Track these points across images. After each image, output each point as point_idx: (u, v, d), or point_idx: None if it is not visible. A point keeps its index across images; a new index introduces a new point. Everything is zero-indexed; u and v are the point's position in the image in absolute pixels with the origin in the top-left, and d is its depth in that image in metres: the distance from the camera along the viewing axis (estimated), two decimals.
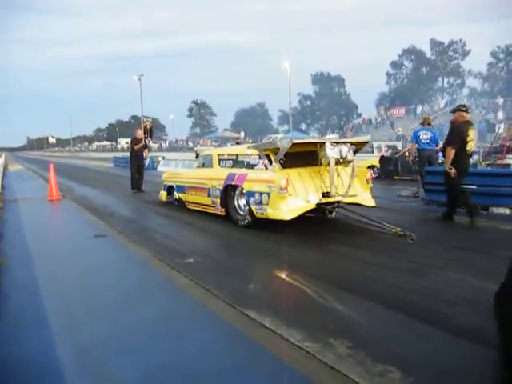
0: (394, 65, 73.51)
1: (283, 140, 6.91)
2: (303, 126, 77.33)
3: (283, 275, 4.50)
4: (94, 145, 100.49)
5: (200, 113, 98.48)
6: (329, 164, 6.14)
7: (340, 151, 6.26)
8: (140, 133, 13.07)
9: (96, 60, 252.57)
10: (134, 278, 4.54)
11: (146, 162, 13.80)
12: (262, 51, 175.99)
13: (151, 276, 4.60)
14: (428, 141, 9.33)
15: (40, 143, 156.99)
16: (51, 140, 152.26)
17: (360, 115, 74.65)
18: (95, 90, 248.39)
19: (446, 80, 69.87)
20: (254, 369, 2.74)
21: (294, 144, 6.12)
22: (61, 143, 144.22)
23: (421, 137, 9.39)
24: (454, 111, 7.10)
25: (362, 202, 6.69)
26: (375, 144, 26.86)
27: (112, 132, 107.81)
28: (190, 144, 55.54)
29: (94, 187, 14.30)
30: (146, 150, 13.13)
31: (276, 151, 6.41)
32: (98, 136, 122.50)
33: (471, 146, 6.75)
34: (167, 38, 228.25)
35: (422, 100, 58.19)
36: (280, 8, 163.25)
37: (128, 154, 14.42)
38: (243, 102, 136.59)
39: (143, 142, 12.81)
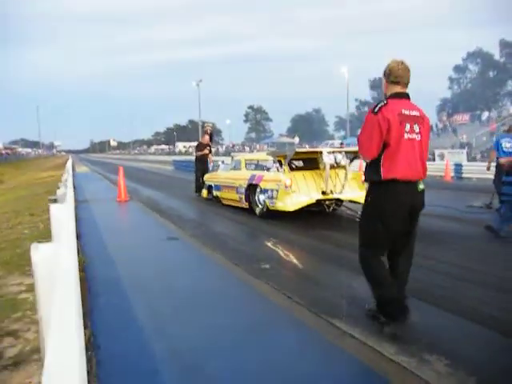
0: (457, 69, 70.49)
1: (289, 149, 9.23)
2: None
3: (358, 283, 4.35)
4: (153, 148, 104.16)
5: (256, 118, 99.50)
6: (325, 168, 7.55)
7: (335, 158, 7.76)
8: (207, 138, 13.29)
9: (155, 66, 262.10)
10: (215, 283, 4.56)
11: (210, 166, 14.04)
12: (318, 57, 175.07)
13: (231, 281, 4.61)
14: (511, 149, 8.76)
15: (102, 146, 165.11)
16: (112, 143, 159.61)
17: None
18: (155, 95, 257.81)
19: None
20: (353, 381, 2.67)
21: (297, 152, 8.14)
22: (121, 146, 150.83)
23: (503, 145, 8.85)
24: None
25: (357, 200, 7.74)
26: (437, 152, 25.71)
27: (170, 136, 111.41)
28: (247, 149, 56.07)
29: (158, 189, 14.73)
30: (210, 154, 13.38)
31: (285, 157, 7.99)
32: (157, 139, 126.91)
33: None
34: (225, 45, 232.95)
35: (487, 105, 55.38)
36: (337, 14, 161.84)
37: (189, 158, 14.75)
38: (300, 107, 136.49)
39: (209, 148, 13.07)
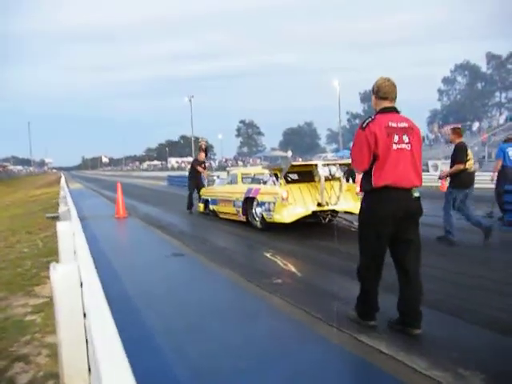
0: (446, 81, 71.60)
1: (285, 162, 8.89)
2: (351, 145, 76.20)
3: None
4: (145, 164, 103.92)
5: (248, 132, 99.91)
6: (320, 180, 7.73)
7: (329, 170, 7.91)
8: (203, 155, 13.14)
9: (146, 82, 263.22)
10: (229, 299, 4.46)
11: (205, 182, 13.91)
12: (308, 70, 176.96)
13: (246, 297, 4.50)
14: None
15: (94, 162, 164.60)
16: (104, 159, 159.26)
17: None
18: (146, 110, 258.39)
19: (503, 95, 67.04)
20: None
21: (292, 165, 8.19)
22: (113, 162, 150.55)
23: (509, 153, 8.90)
24: None
25: (352, 210, 8.03)
26: (430, 162, 25.86)
27: (162, 152, 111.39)
28: (240, 163, 56.11)
29: (155, 205, 14.57)
30: (206, 170, 13.28)
31: (281, 170, 8.17)
32: (149, 155, 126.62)
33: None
34: (215, 60, 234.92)
35: (477, 116, 56.11)
36: (327, 27, 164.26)
37: (183, 173, 14.60)
38: (291, 121, 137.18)
39: (203, 164, 12.95)
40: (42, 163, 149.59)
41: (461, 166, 6.62)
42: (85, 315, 2.49)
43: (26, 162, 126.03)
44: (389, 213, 3.33)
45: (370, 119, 3.39)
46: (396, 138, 3.31)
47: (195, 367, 2.93)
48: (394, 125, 3.34)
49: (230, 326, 3.68)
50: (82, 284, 2.47)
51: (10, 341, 3.56)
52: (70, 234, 4.36)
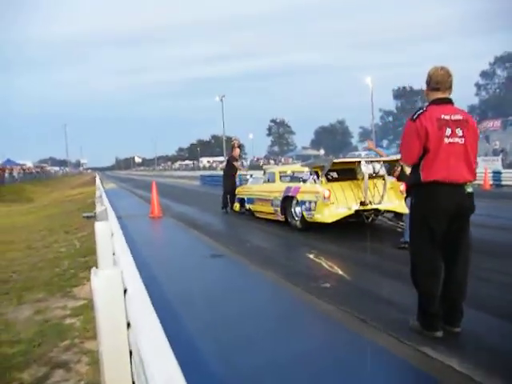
0: (484, 74, 68.97)
1: (327, 159, 8.72)
2: (384, 143, 74.67)
3: None
4: (177, 164, 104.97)
5: (279, 131, 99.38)
6: (364, 178, 7.37)
7: (373, 167, 7.58)
8: (238, 152, 12.89)
9: (178, 84, 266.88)
10: (276, 305, 4.20)
11: (237, 180, 13.63)
12: (340, 68, 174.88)
13: (294, 303, 4.22)
14: None
15: (127, 163, 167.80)
16: (137, 160, 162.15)
17: None
18: (178, 111, 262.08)
19: None
20: None
21: (334, 163, 7.73)
22: (146, 162, 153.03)
23: None
24: None
25: (396, 209, 7.79)
26: None
27: (193, 151, 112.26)
28: (272, 162, 55.82)
29: (189, 205, 14.46)
30: (242, 167, 13.05)
31: (322, 168, 7.86)
32: (180, 155, 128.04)
33: None
34: (244, 61, 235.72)
35: None
36: (359, 24, 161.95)
37: (216, 172, 14.39)
38: (323, 119, 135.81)
39: (240, 162, 12.69)
40: (77, 164, 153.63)
41: None
42: (128, 325, 2.27)
43: (62, 163, 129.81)
44: (440, 208, 3.17)
45: (421, 111, 3.24)
46: (448, 131, 3.13)
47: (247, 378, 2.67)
48: (447, 117, 3.16)
49: (280, 338, 3.39)
50: (125, 291, 2.25)
51: (49, 345, 3.40)
52: (108, 234, 4.19)
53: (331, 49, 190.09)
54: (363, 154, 43.66)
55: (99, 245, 4.22)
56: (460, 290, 3.27)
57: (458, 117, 3.19)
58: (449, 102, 3.28)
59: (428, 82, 3.32)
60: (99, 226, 4.20)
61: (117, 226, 4.40)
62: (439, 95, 3.26)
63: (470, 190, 3.21)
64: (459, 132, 3.15)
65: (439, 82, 3.25)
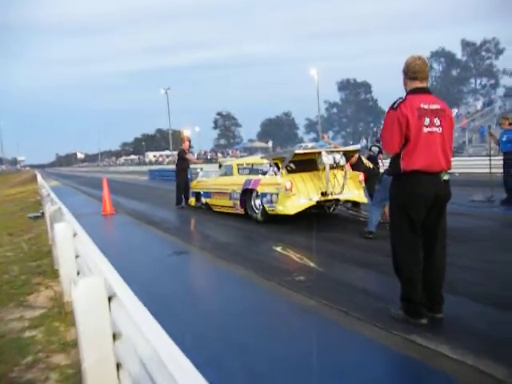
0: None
1: (287, 151, 8.80)
2: (330, 134, 76.36)
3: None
4: (122, 159, 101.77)
5: (225, 124, 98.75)
6: (325, 169, 7.31)
7: (334, 158, 7.53)
8: (187, 144, 12.52)
9: (119, 76, 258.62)
10: (252, 300, 4.04)
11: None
12: (284, 60, 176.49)
13: (271, 298, 4.08)
14: None
15: (68, 159, 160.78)
16: (79, 156, 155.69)
17: None
18: (120, 105, 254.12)
19: (478, 81, 67.98)
20: None
21: (296, 154, 7.56)
22: (89, 158, 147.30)
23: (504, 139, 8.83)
24: None
25: (356, 199, 8.00)
26: None
27: (138, 146, 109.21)
28: (220, 155, 55.39)
29: (141, 201, 13.97)
30: (196, 158, 12.71)
31: (282, 160, 7.75)
32: (125, 150, 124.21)
33: None
34: (190, 52, 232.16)
35: (452, 103, 56.66)
36: (303, 16, 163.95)
37: (166, 167, 13.94)
38: (269, 112, 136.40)
39: (190, 154, 12.32)
40: (14, 161, 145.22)
41: None
42: (114, 336, 2.04)
43: None
44: (421, 197, 3.19)
45: (400, 100, 3.23)
46: (427, 120, 3.17)
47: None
48: (426, 106, 3.19)
49: (264, 335, 3.25)
50: (109, 299, 2.01)
51: (8, 364, 3.04)
52: (69, 236, 3.85)
53: (277, 40, 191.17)
54: (310, 145, 44.46)
55: (59, 248, 3.88)
56: (439, 276, 3.33)
57: (436, 106, 3.22)
58: (426, 91, 3.31)
59: (405, 72, 3.32)
60: (59, 227, 3.86)
61: (78, 226, 4.05)
62: (417, 84, 3.28)
63: (446, 177, 3.25)
64: (437, 121, 3.19)
65: (417, 71, 3.26)
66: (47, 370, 2.93)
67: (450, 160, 3.29)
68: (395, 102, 3.23)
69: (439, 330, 3.06)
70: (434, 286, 3.28)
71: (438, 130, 3.19)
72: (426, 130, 3.15)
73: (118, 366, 2.02)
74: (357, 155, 8.39)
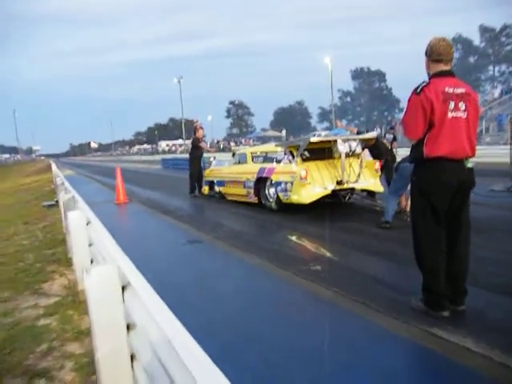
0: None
1: (302, 139, 8.53)
2: (344, 123, 75.63)
3: None
4: (135, 148, 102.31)
5: (238, 113, 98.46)
6: (340, 157, 7.20)
7: (349, 146, 7.43)
8: (202, 132, 12.44)
9: (133, 66, 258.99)
10: (268, 290, 3.97)
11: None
12: (298, 48, 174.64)
13: (285, 287, 4.01)
14: None
15: (82, 149, 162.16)
16: (93, 145, 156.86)
17: (402, 110, 72.41)
18: (134, 94, 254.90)
19: (496, 68, 66.40)
20: None
21: (311, 142, 7.36)
22: (102, 148, 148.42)
23: None
24: None
25: (372, 188, 7.87)
26: None
27: (151, 135, 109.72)
28: (233, 144, 55.27)
29: (155, 189, 13.99)
30: (209, 147, 12.64)
31: (297, 148, 7.57)
32: (138, 139, 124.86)
33: None
34: (204, 41, 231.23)
35: None
36: (316, 3, 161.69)
37: (179, 156, 13.88)
38: (282, 100, 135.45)
39: (203, 142, 12.24)
40: (29, 151, 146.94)
41: None
42: (128, 327, 1.98)
43: (12, 150, 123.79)
44: (445, 184, 3.08)
45: (424, 83, 3.09)
46: (452, 105, 3.03)
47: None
48: (451, 90, 3.05)
49: (280, 324, 3.19)
50: (123, 288, 1.95)
51: (24, 352, 3.03)
52: (82, 224, 3.82)
53: (291, 28, 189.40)
54: (323, 133, 44.08)
55: (73, 236, 3.85)
56: (463, 267, 3.21)
57: (461, 90, 3.08)
58: (451, 74, 3.16)
59: (429, 54, 3.18)
60: (72, 216, 3.83)
61: (91, 214, 4.01)
62: (442, 67, 3.14)
63: (470, 165, 3.13)
64: (462, 106, 3.06)
65: (441, 53, 3.13)
66: (62, 358, 2.91)
67: (475, 147, 3.15)
68: (418, 86, 3.09)
69: (462, 323, 2.96)
70: (457, 278, 3.17)
71: (464, 114, 3.06)
72: (450, 114, 3.02)
73: (132, 357, 1.97)
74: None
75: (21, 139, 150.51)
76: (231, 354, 2.70)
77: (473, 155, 3.14)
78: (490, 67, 66.84)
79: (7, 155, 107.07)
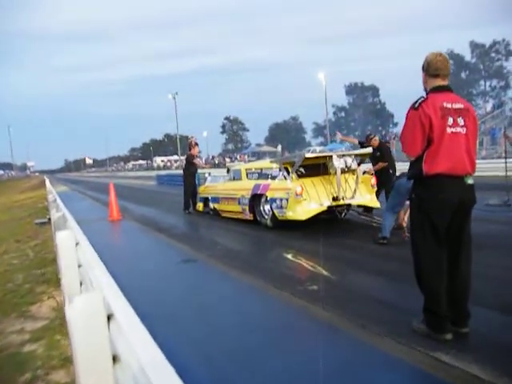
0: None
1: (297, 155, 8.49)
2: (338, 140, 76.09)
3: None
4: (130, 164, 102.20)
5: (233, 129, 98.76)
6: (336, 173, 7.13)
7: (345, 162, 7.44)
8: (197, 149, 12.40)
9: (127, 82, 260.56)
10: (265, 314, 3.83)
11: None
12: (291, 64, 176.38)
13: (282, 309, 3.87)
14: None
15: (77, 164, 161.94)
16: (88, 161, 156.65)
17: (396, 124, 72.99)
18: (128, 110, 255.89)
19: (488, 83, 67.24)
20: None
21: (306, 158, 7.29)
22: (97, 163, 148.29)
23: None
24: None
25: (368, 204, 7.74)
26: None
27: (146, 151, 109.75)
28: (228, 160, 55.25)
29: (149, 206, 13.86)
30: (204, 163, 12.57)
31: (292, 164, 7.46)
32: (133, 155, 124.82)
33: None
34: (198, 57, 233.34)
35: None
36: (309, 20, 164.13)
37: (173, 172, 13.79)
38: (277, 116, 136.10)
39: (198, 159, 12.19)
40: (23, 167, 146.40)
41: None
42: (114, 359, 1.85)
43: (6, 166, 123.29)
44: (445, 202, 2.98)
45: (422, 99, 3.03)
46: (450, 120, 2.97)
47: None
48: (449, 106, 3.00)
49: (281, 351, 3.04)
50: (109, 318, 1.82)
51: (6, 382, 2.88)
52: (71, 245, 3.68)
53: (283, 45, 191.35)
54: (318, 149, 44.19)
55: (62, 257, 3.70)
56: (465, 287, 3.09)
57: (459, 105, 3.03)
58: (449, 89, 3.12)
59: (426, 69, 3.13)
60: (61, 236, 3.68)
61: (81, 234, 3.88)
62: (439, 82, 3.10)
63: (470, 181, 3.04)
64: (461, 121, 3.00)
65: (439, 68, 3.08)
66: None
67: (475, 162, 3.08)
68: (416, 102, 3.03)
69: (466, 347, 2.83)
70: (459, 299, 3.06)
71: (463, 130, 2.99)
72: (449, 130, 2.96)
73: None
74: (376, 138, 8.23)
75: (15, 155, 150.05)
76: (224, 380, 2.56)
77: (473, 172, 3.07)
78: (482, 82, 67.67)
79: (1, 171, 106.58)
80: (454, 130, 2.97)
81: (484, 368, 2.53)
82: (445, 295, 3.01)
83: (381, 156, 8.01)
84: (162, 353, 1.38)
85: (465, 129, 3.00)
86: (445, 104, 2.97)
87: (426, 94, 3.11)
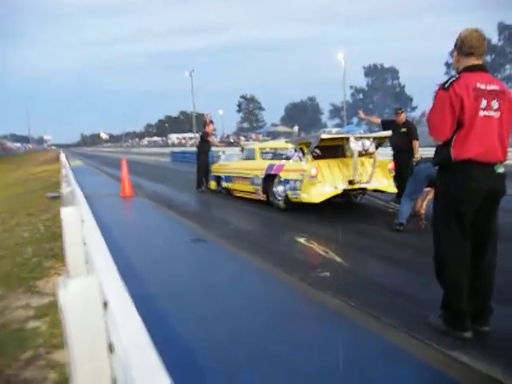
0: (453, 54, 69.62)
1: (313, 136, 8.34)
2: (355, 120, 75.01)
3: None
4: (145, 140, 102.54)
5: (249, 108, 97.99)
6: (353, 156, 6.93)
7: (362, 145, 7.17)
8: (212, 127, 12.24)
9: (145, 57, 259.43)
10: (273, 299, 3.70)
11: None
12: (311, 44, 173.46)
13: (291, 295, 3.74)
14: None
15: (93, 139, 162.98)
16: (103, 136, 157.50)
17: (415, 108, 71.57)
18: (145, 86, 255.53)
19: None
20: None
21: (322, 139, 7.09)
22: (113, 139, 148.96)
23: None
24: None
25: (384, 189, 7.46)
26: None
27: (161, 128, 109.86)
28: (242, 139, 54.93)
29: (162, 183, 13.82)
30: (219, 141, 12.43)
31: (308, 145, 7.30)
32: (149, 132, 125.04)
33: None
34: (217, 35, 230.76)
35: None
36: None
37: (187, 149, 13.70)
38: (293, 96, 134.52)
39: (213, 137, 12.04)
40: (40, 140, 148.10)
41: None
42: (110, 348, 1.74)
43: (24, 140, 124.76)
44: (474, 191, 2.79)
45: (453, 78, 2.82)
46: (484, 103, 2.74)
47: None
48: (483, 87, 2.77)
49: (280, 338, 2.92)
50: (105, 304, 1.70)
51: (7, 358, 2.80)
52: (77, 222, 3.57)
53: (305, 23, 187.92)
54: (334, 130, 43.62)
55: (66, 234, 3.61)
56: (489, 281, 2.92)
57: (494, 87, 2.80)
58: (483, 69, 2.89)
59: (459, 47, 2.89)
60: (66, 212, 3.58)
61: (87, 211, 3.77)
62: (473, 61, 2.86)
63: (501, 170, 2.83)
64: (495, 104, 2.77)
65: (473, 46, 2.84)
66: (47, 367, 2.68)
67: (507, 150, 2.86)
68: (447, 81, 2.83)
69: (486, 347, 2.66)
70: (482, 295, 2.88)
71: (496, 114, 2.77)
72: (482, 113, 2.74)
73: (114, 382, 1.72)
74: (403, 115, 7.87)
75: (32, 129, 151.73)
76: (230, 367, 2.45)
77: (504, 160, 2.85)
78: (508, 66, 65.55)
79: (19, 144, 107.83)
80: (486, 113, 2.75)
81: (506, 371, 2.37)
82: (467, 290, 2.84)
83: (408, 132, 7.63)
84: (164, 333, 1.25)
85: (499, 113, 2.78)
86: (478, 85, 2.75)
87: (459, 73, 2.89)
